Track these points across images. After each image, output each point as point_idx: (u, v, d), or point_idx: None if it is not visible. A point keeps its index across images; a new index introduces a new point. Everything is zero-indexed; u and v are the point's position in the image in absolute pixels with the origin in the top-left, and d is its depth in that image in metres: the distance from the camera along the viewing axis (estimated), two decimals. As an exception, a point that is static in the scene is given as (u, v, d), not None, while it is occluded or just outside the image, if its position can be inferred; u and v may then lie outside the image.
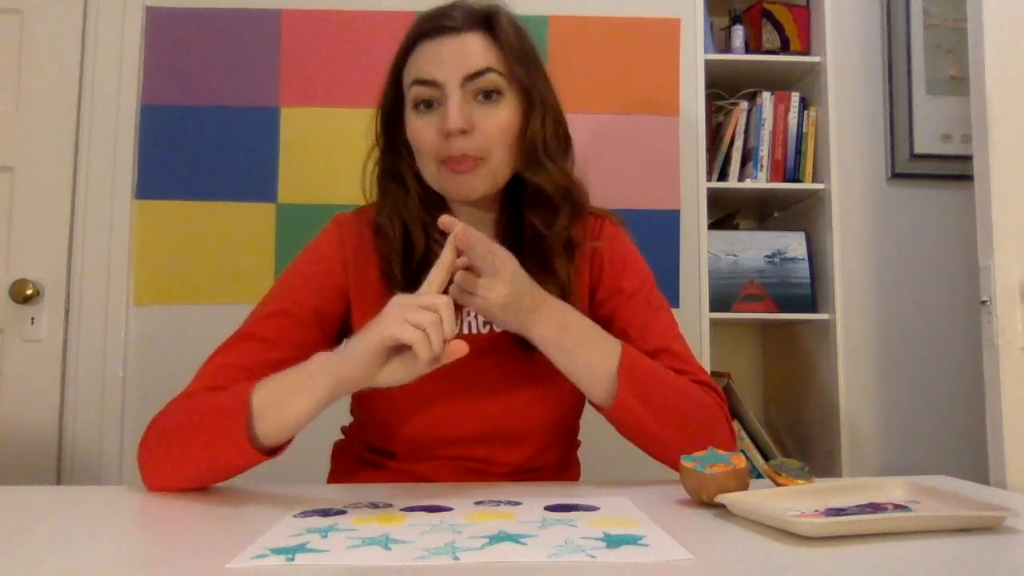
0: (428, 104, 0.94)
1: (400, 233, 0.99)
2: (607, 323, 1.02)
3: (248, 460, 0.83)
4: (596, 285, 1.04)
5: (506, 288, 0.86)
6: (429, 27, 0.95)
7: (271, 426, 0.82)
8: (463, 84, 0.93)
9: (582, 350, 0.91)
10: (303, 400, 0.81)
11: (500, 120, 0.94)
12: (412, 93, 0.95)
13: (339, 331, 1.02)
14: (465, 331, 1.00)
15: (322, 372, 0.81)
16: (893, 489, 0.79)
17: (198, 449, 0.85)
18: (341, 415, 1.10)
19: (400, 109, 0.99)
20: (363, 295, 1.01)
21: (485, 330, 1.00)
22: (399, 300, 0.80)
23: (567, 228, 1.00)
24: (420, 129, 0.95)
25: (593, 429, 1.06)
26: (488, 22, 0.96)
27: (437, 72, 0.93)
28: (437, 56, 0.93)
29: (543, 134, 0.98)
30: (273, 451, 0.84)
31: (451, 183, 0.96)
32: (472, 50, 0.94)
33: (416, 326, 0.76)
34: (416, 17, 0.98)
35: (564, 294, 0.97)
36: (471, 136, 0.93)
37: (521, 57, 0.97)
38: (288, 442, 0.85)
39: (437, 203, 1.01)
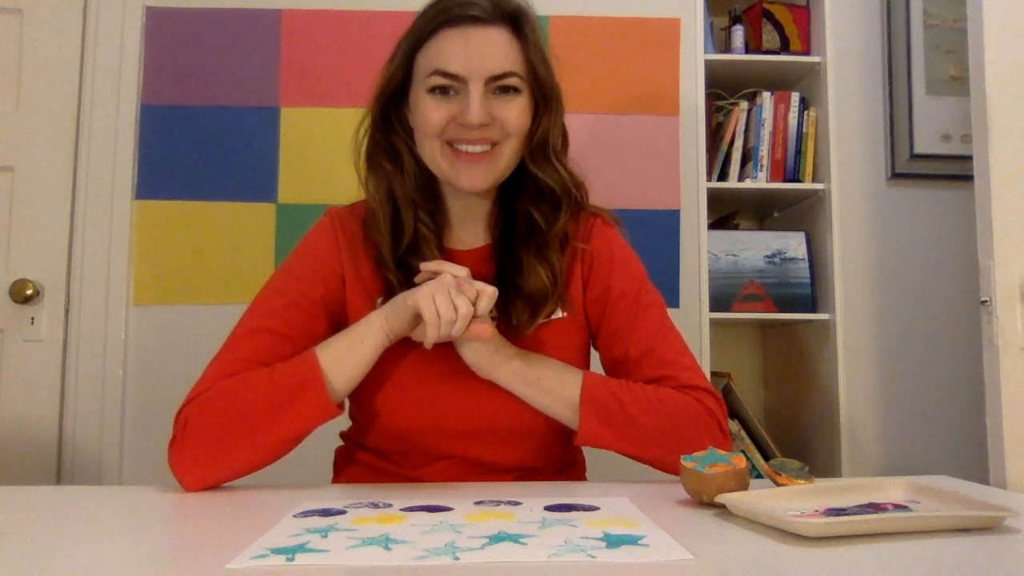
0: (444, 91, 0.95)
1: (389, 212, 0.99)
2: (598, 324, 1.04)
3: (327, 416, 0.91)
4: (587, 283, 1.05)
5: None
6: (455, 14, 0.94)
7: (342, 381, 0.92)
8: (486, 82, 0.93)
9: (547, 382, 0.96)
10: (364, 351, 0.93)
11: (515, 114, 0.96)
12: (431, 81, 0.94)
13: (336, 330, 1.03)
14: None
15: (375, 327, 0.93)
16: (893, 489, 0.79)
17: (269, 423, 0.89)
18: (341, 420, 1.10)
19: (405, 87, 0.99)
20: (357, 286, 1.02)
21: None
22: (445, 278, 0.89)
23: (566, 224, 1.02)
24: (431, 111, 0.95)
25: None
26: (514, 19, 0.96)
27: (461, 67, 0.93)
28: (464, 49, 0.93)
29: (553, 133, 1.00)
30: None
31: (460, 171, 0.96)
32: (498, 48, 0.94)
33: (438, 308, 0.85)
34: None
35: (556, 282, 0.99)
36: (489, 127, 0.94)
37: (541, 58, 0.98)
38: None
39: (430, 188, 1.02)
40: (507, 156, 0.97)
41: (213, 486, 0.91)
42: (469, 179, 0.96)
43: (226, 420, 0.90)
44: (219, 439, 0.89)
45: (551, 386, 0.95)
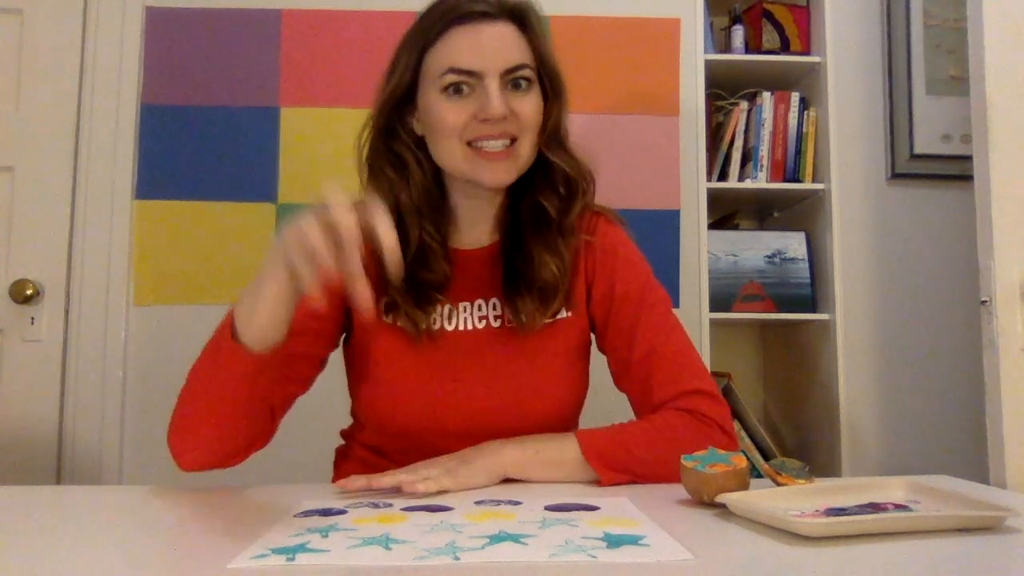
0: (458, 89, 0.95)
1: (393, 223, 0.98)
2: (604, 323, 1.04)
3: (241, 364, 0.83)
4: (591, 283, 1.05)
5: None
6: (464, 11, 0.95)
7: (251, 325, 0.82)
8: (501, 76, 0.94)
9: (546, 453, 0.92)
10: (265, 294, 0.80)
11: (530, 107, 0.96)
12: (446, 79, 0.94)
13: (344, 319, 1.03)
14: (460, 327, 1.01)
15: (268, 265, 0.81)
16: (893, 489, 0.79)
17: (209, 386, 0.86)
18: (342, 419, 1.10)
19: (411, 92, 0.99)
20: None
21: (481, 325, 1.01)
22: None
23: (579, 212, 1.02)
24: (450, 112, 0.94)
25: (593, 425, 1.06)
26: (520, 12, 0.97)
27: (477, 63, 0.93)
28: (477, 45, 0.94)
29: (563, 120, 1.01)
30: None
31: (483, 168, 0.96)
32: (509, 42, 0.95)
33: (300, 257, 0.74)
34: None
35: (564, 274, 1.00)
36: (508, 120, 0.95)
37: (548, 50, 0.99)
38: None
39: (437, 195, 1.02)
40: (527, 150, 0.97)
41: (207, 466, 0.89)
42: (492, 175, 0.96)
43: (185, 406, 0.89)
44: (188, 417, 0.89)
45: (553, 455, 0.92)
